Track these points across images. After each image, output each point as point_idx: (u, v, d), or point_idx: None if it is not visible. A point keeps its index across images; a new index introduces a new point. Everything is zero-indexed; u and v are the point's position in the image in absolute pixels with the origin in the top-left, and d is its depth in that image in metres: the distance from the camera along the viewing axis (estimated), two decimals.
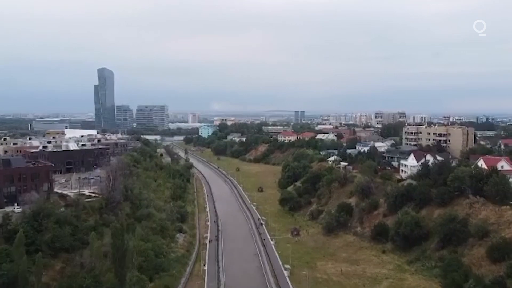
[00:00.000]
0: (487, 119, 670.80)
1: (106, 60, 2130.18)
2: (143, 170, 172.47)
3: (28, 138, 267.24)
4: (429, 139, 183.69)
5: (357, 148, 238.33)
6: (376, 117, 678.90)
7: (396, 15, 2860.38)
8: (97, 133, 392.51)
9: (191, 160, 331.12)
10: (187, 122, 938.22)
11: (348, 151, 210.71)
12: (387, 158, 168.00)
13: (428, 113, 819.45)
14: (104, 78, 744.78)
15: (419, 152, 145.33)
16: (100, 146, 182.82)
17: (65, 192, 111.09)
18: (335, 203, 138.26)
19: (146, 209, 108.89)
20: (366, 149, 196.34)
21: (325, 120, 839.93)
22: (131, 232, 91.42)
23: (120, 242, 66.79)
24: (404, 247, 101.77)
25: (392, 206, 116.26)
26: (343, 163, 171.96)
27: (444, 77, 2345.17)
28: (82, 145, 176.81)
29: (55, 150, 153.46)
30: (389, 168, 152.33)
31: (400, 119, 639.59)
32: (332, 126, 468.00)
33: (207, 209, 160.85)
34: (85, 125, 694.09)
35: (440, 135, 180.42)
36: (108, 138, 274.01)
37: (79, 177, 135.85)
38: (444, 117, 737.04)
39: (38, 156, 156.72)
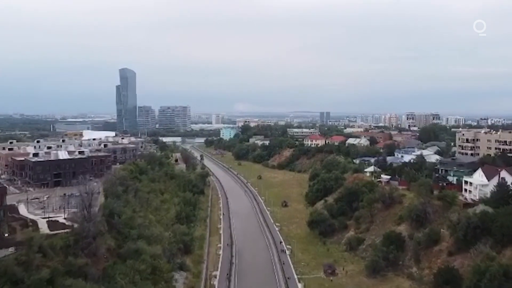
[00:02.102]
0: None
1: (130, 61, 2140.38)
2: (148, 182, 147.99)
3: (35, 141, 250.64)
4: (490, 148, 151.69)
5: (395, 156, 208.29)
6: (407, 118, 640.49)
7: (426, 14, 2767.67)
8: (115, 135, 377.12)
9: (210, 165, 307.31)
10: (211, 123, 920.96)
11: (388, 159, 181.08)
12: (441, 172, 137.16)
13: (460, 114, 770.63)
14: (126, 78, 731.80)
15: (490, 166, 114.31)
16: (101, 153, 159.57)
17: (34, 218, 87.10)
18: (379, 231, 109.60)
19: (135, 242, 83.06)
20: (410, 158, 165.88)
21: (352, 121, 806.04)
22: (106, 283, 66.08)
23: None
24: None
25: (462, 242, 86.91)
26: (384, 176, 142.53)
27: (474, 77, 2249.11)
28: (80, 152, 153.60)
29: (41, 159, 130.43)
30: (445, 184, 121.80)
31: (434, 121, 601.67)
32: (362, 129, 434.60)
33: (221, 230, 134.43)
34: (106, 126, 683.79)
35: (505, 143, 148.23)
36: (120, 141, 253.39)
37: (65, 194, 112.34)
38: (481, 118, 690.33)
39: (24, 166, 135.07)
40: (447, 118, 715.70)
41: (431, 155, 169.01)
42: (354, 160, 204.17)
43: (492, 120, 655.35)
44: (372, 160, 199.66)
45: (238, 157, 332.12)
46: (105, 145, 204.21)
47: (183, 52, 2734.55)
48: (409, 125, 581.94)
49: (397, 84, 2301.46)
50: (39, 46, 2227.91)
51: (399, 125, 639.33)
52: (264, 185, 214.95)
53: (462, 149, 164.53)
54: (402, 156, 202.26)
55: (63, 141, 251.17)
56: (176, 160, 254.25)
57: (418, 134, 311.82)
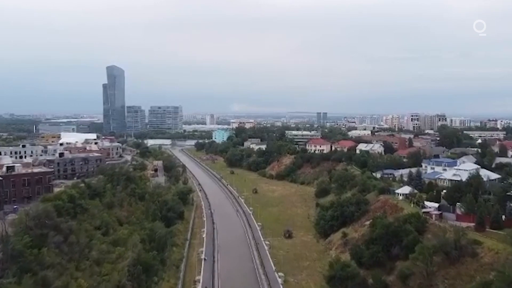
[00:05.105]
0: None
1: (128, 61, 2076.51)
2: (102, 209, 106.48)
3: None
4: None
5: (425, 168, 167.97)
6: (412, 119, 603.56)
7: (425, 15, 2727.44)
8: (97, 137, 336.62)
9: (198, 173, 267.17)
10: (205, 123, 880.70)
11: (423, 174, 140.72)
12: None
13: (460, 115, 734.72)
14: (114, 77, 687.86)
15: None
16: (38, 169, 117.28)
17: None
18: None
19: None
20: (454, 174, 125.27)
21: (350, 122, 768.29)
22: None
23: None
24: None
25: None
26: (430, 204, 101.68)
27: (472, 78, 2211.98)
28: (8, 168, 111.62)
29: None
30: None
31: (440, 122, 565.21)
32: (368, 132, 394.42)
33: (200, 285, 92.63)
34: (93, 127, 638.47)
35: None
36: (88, 148, 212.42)
37: None
38: (489, 120, 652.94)
39: None
40: (452, 119, 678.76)
41: (480, 170, 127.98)
42: (373, 173, 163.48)
43: (501, 121, 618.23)
44: (396, 174, 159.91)
45: (231, 163, 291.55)
46: (60, 154, 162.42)
47: (180, 52, 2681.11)
48: (413, 127, 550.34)
49: (395, 85, 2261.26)
50: (36, 45, 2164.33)
51: (402, 127, 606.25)
52: (261, 202, 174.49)
53: None
54: (433, 169, 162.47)
55: (23, 146, 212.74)
56: (156, 170, 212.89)
57: (438, 139, 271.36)
